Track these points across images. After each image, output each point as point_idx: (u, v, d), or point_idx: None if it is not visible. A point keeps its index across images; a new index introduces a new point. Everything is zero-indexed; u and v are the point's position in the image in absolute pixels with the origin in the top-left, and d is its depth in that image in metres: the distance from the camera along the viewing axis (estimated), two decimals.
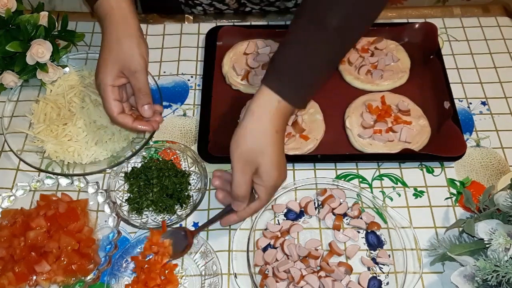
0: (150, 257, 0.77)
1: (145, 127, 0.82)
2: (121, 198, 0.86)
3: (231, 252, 0.80)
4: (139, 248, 0.80)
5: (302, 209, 0.85)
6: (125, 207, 0.85)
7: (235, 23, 1.09)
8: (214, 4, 1.11)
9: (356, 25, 0.74)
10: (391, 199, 0.86)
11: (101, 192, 0.84)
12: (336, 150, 0.91)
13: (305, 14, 0.72)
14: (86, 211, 0.83)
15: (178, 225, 0.83)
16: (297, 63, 0.72)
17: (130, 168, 0.89)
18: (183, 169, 0.89)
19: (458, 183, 0.88)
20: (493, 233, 0.71)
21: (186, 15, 1.12)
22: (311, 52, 0.71)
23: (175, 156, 0.91)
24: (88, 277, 0.76)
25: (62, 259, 0.76)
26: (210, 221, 0.80)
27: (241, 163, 0.72)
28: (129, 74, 0.78)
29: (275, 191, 0.77)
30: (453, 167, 0.90)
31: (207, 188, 0.86)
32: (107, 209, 0.82)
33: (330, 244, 0.80)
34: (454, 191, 0.87)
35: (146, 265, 0.78)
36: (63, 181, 0.86)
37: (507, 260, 0.68)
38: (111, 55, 0.77)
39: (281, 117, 0.72)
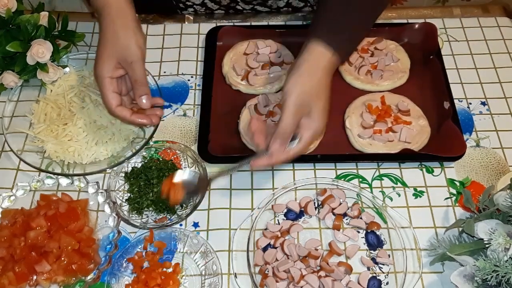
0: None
1: (144, 121, 0.82)
2: (121, 198, 0.86)
3: (231, 252, 0.80)
4: (139, 248, 0.80)
5: (302, 209, 0.85)
6: (125, 207, 0.85)
7: (235, 23, 1.09)
8: (205, 4, 1.11)
9: None
10: (391, 199, 0.86)
11: (101, 192, 0.84)
12: (336, 150, 0.91)
13: None
14: (86, 211, 0.83)
15: (178, 225, 0.83)
16: (345, 18, 0.77)
17: (130, 168, 0.89)
18: (183, 169, 0.89)
19: (458, 183, 0.88)
20: (493, 233, 0.71)
21: (186, 15, 1.12)
22: (355, 8, 0.77)
23: (175, 156, 0.91)
24: (88, 277, 0.76)
25: (62, 259, 0.76)
26: (237, 166, 0.78)
27: (297, 105, 0.74)
28: (126, 65, 0.78)
29: (316, 138, 0.81)
30: (453, 167, 0.90)
31: (207, 188, 0.87)
32: (107, 209, 0.83)
33: (330, 244, 0.81)
34: (454, 191, 0.87)
35: (144, 265, 0.78)
36: (63, 181, 0.86)
37: (507, 260, 0.68)
38: (108, 47, 0.78)
39: (331, 69, 0.77)
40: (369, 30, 0.87)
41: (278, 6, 1.13)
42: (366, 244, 0.82)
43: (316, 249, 0.79)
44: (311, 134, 0.76)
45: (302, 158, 0.89)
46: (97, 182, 0.86)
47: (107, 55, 0.78)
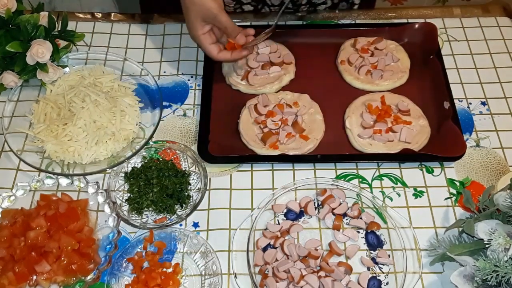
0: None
1: (243, 53, 0.92)
2: (121, 198, 0.86)
3: (231, 252, 0.80)
4: (139, 248, 0.80)
5: (302, 209, 0.85)
6: (125, 207, 0.85)
7: (235, 23, 1.09)
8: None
9: None
10: (391, 199, 0.86)
11: (101, 192, 0.84)
12: (336, 150, 0.91)
13: None
14: (86, 211, 0.83)
15: (178, 225, 0.83)
16: None
17: (130, 168, 0.89)
18: (183, 169, 0.89)
19: (458, 183, 0.88)
20: (493, 233, 0.71)
21: None
22: None
23: (175, 156, 0.91)
24: (88, 277, 0.76)
25: (62, 259, 0.76)
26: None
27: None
28: (211, 20, 0.88)
29: None
30: (453, 167, 0.90)
31: (207, 188, 0.87)
32: (107, 209, 0.82)
33: (330, 244, 0.81)
34: (454, 191, 0.87)
35: (144, 265, 0.78)
36: (63, 181, 0.86)
37: (507, 260, 0.68)
38: (190, 11, 0.88)
39: None
40: None
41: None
42: (366, 244, 0.82)
43: (316, 249, 0.79)
44: None
45: (302, 158, 0.89)
46: (97, 182, 0.86)
47: (193, 18, 0.88)
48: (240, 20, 1.11)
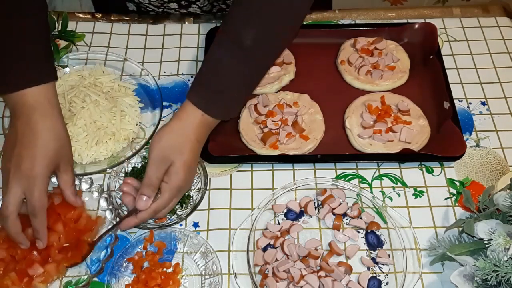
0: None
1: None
2: (121, 198, 0.86)
3: (231, 252, 0.80)
4: (139, 248, 0.80)
5: (302, 209, 0.85)
6: (125, 207, 0.85)
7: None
8: (166, 11, 1.12)
9: (270, 44, 0.77)
10: (391, 199, 0.86)
11: (105, 197, 0.83)
12: (336, 150, 0.91)
13: (224, 31, 0.76)
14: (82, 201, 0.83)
15: (178, 225, 0.83)
16: (216, 79, 0.76)
17: (130, 168, 0.89)
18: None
19: (457, 183, 0.88)
20: (493, 233, 0.71)
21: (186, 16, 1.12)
22: (228, 69, 0.76)
23: None
24: (92, 268, 0.77)
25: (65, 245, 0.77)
26: (110, 229, 0.79)
27: (158, 157, 0.75)
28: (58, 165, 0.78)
29: (177, 195, 0.78)
30: (452, 167, 0.90)
31: (207, 188, 0.87)
32: (108, 215, 0.82)
33: (330, 244, 0.81)
34: (454, 191, 0.87)
35: (144, 265, 0.78)
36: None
37: (507, 260, 0.68)
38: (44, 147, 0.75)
39: (203, 128, 0.77)
40: (254, 88, 0.85)
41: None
42: (366, 244, 0.82)
43: (316, 249, 0.79)
44: (169, 191, 0.76)
45: (302, 158, 0.89)
46: (100, 184, 0.85)
47: (45, 154, 0.75)
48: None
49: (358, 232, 0.83)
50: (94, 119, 0.90)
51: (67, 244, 0.78)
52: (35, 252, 0.76)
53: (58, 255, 0.77)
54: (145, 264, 0.79)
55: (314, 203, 0.85)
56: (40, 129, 0.75)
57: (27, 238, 0.76)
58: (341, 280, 0.76)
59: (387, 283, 0.78)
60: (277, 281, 0.76)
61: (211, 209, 0.85)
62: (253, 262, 0.79)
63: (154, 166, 0.75)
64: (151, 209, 0.76)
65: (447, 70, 0.99)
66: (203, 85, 0.77)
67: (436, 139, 0.92)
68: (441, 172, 0.89)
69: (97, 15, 1.12)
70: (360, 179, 0.89)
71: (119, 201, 0.85)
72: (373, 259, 0.80)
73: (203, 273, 0.79)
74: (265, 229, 0.83)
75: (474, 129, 0.94)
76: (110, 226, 0.80)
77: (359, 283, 0.76)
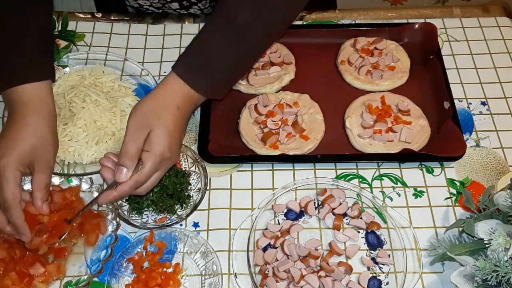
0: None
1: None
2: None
3: (231, 252, 0.80)
4: (139, 248, 0.80)
5: (302, 209, 0.85)
6: (125, 207, 0.85)
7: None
8: (166, 12, 1.12)
9: (262, 27, 0.77)
10: (391, 199, 0.86)
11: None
12: (336, 150, 0.91)
13: (218, 10, 0.76)
14: (79, 198, 0.83)
15: (178, 225, 0.83)
16: (203, 54, 0.75)
17: None
18: (183, 169, 0.89)
19: (458, 183, 0.88)
20: (493, 233, 0.71)
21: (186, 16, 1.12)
22: (216, 45, 0.74)
23: None
24: (93, 268, 0.77)
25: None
26: (89, 204, 0.76)
27: (137, 124, 0.71)
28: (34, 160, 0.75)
29: (160, 165, 0.72)
30: (453, 167, 0.90)
31: (207, 188, 0.87)
32: (109, 215, 0.82)
33: (330, 244, 0.81)
34: (454, 191, 0.87)
35: (144, 265, 0.78)
36: (56, 180, 0.85)
37: (507, 260, 0.68)
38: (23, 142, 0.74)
39: (186, 100, 0.74)
40: (247, 68, 0.82)
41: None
42: (366, 244, 0.82)
43: (316, 249, 0.79)
44: (151, 159, 0.70)
45: (302, 158, 0.89)
46: (101, 184, 0.85)
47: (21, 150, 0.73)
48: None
49: (358, 232, 0.83)
50: (94, 119, 0.90)
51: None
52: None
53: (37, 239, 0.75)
54: (145, 264, 0.79)
55: (314, 203, 0.85)
56: (23, 125, 0.74)
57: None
58: (341, 280, 0.76)
59: (387, 283, 0.78)
60: (277, 281, 0.76)
61: (211, 209, 0.85)
62: (253, 262, 0.79)
63: (132, 134, 0.70)
64: (131, 181, 0.70)
65: (447, 70, 0.99)
66: (190, 58, 0.75)
67: (436, 139, 0.92)
68: (441, 172, 0.89)
69: (97, 15, 1.12)
70: (360, 179, 0.89)
71: (119, 201, 0.85)
72: (373, 259, 0.80)
73: (203, 273, 0.79)
74: (265, 229, 0.83)
75: (474, 129, 0.94)
76: (89, 201, 0.77)
77: (359, 283, 0.76)
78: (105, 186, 0.76)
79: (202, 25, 1.08)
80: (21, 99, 0.75)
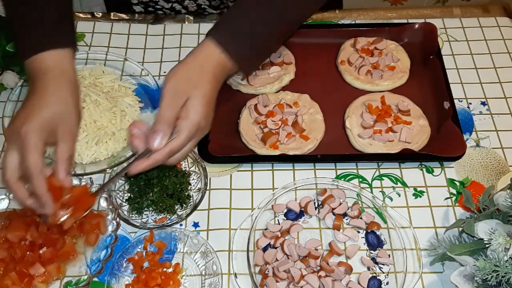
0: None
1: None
2: (121, 198, 0.86)
3: (231, 252, 0.80)
4: (139, 248, 0.80)
5: (302, 209, 0.85)
6: (125, 207, 0.85)
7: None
8: (174, 7, 1.12)
9: (296, 3, 0.79)
10: (391, 199, 0.86)
11: (105, 197, 0.84)
12: (336, 150, 0.91)
13: None
14: None
15: (178, 225, 0.83)
16: (239, 21, 0.75)
17: None
18: (183, 169, 0.89)
19: (458, 183, 0.88)
20: (493, 233, 0.71)
21: (186, 16, 1.12)
22: (253, 18, 0.75)
23: None
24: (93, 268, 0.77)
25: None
26: (119, 173, 0.74)
27: (173, 92, 0.70)
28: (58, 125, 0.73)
29: (195, 134, 0.71)
30: (453, 167, 0.90)
31: (207, 188, 0.87)
32: (109, 215, 0.82)
33: (330, 244, 0.81)
34: (454, 191, 0.87)
35: (144, 265, 0.78)
36: None
37: (507, 260, 0.68)
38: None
39: (221, 68, 0.74)
40: (275, 42, 0.84)
41: None
42: (366, 244, 0.82)
43: (316, 249, 0.79)
44: (187, 127, 0.69)
45: (302, 158, 0.89)
46: (100, 184, 0.85)
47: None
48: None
49: (358, 232, 0.83)
50: (94, 119, 0.90)
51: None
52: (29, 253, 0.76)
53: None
54: (145, 264, 0.79)
55: (314, 203, 0.85)
56: (44, 93, 0.72)
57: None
58: (341, 280, 0.76)
59: (387, 283, 0.78)
60: (277, 281, 0.76)
61: (211, 209, 0.85)
62: (253, 262, 0.79)
63: (169, 100, 0.69)
64: (167, 148, 0.68)
65: (447, 70, 0.99)
66: (225, 25, 0.76)
67: (436, 139, 0.92)
68: (441, 172, 0.89)
69: (97, 15, 1.12)
70: (360, 179, 0.89)
71: (119, 201, 0.85)
72: (373, 259, 0.80)
73: (203, 273, 0.79)
74: (265, 229, 0.83)
75: (474, 129, 0.94)
76: (119, 170, 0.75)
77: (359, 283, 0.76)
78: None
79: (202, 25, 1.09)
80: (41, 68, 0.73)
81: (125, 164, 0.80)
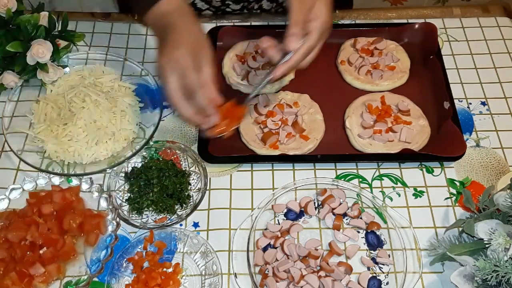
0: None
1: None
2: (121, 198, 0.86)
3: (231, 252, 0.80)
4: (139, 248, 0.80)
5: (302, 209, 0.85)
6: (125, 207, 0.85)
7: (235, 23, 1.09)
8: (195, 4, 1.11)
9: None
10: (391, 199, 0.86)
11: (105, 197, 0.84)
12: (336, 150, 0.91)
13: None
14: (79, 198, 0.83)
15: (178, 225, 0.83)
16: None
17: (130, 168, 0.89)
18: (183, 169, 0.89)
19: (457, 183, 0.88)
20: (493, 233, 0.71)
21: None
22: None
23: (175, 156, 0.91)
24: (93, 268, 0.77)
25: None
26: (266, 79, 0.79)
27: None
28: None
29: (322, 36, 0.78)
30: (453, 167, 0.90)
31: (207, 188, 0.87)
32: (110, 215, 0.82)
33: (330, 244, 0.81)
34: (454, 191, 0.87)
35: (144, 265, 0.78)
36: (56, 180, 0.86)
37: (507, 260, 0.68)
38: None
39: None
40: None
41: (264, 8, 1.13)
42: (366, 244, 0.82)
43: (316, 249, 0.79)
44: (319, 26, 0.76)
45: (302, 158, 0.89)
46: (100, 185, 0.86)
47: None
48: (240, 20, 1.11)
49: (358, 232, 0.83)
50: (94, 119, 0.90)
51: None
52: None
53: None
54: (145, 264, 0.79)
55: (314, 203, 0.85)
56: (177, 29, 0.77)
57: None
58: (341, 280, 0.76)
59: (387, 283, 0.78)
60: (277, 281, 0.76)
61: (211, 209, 0.85)
62: (253, 262, 0.79)
63: (299, 5, 0.75)
64: (303, 47, 0.76)
65: (447, 70, 0.99)
66: None
67: (436, 139, 0.92)
68: (441, 172, 0.89)
69: (97, 15, 1.12)
70: (360, 179, 0.89)
71: (119, 201, 0.85)
72: (373, 259, 0.80)
73: (203, 273, 0.79)
74: (265, 229, 0.83)
75: (474, 129, 0.94)
76: (264, 76, 0.81)
77: (359, 283, 0.76)
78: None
79: (202, 24, 1.08)
80: (164, 14, 0.79)
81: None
